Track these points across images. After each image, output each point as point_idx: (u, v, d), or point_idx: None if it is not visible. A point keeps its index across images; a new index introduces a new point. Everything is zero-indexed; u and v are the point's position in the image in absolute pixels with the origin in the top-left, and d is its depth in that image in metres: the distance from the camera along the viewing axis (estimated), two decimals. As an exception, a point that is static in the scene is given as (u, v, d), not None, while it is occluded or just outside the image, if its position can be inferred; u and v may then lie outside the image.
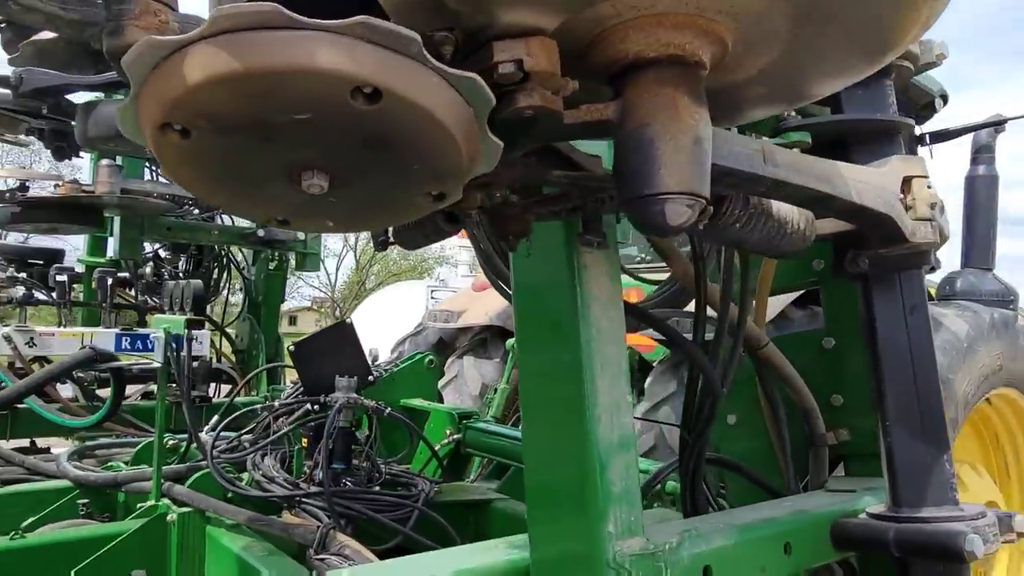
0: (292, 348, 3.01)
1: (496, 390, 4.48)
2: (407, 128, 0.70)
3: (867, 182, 1.11)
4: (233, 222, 4.29)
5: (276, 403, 2.86)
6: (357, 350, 3.15)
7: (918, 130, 4.97)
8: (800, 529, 1.41)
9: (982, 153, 4.84)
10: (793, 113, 1.43)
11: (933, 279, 5.19)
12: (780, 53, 0.85)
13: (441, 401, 4.80)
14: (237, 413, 2.88)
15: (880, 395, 1.47)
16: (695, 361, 1.44)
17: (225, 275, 4.75)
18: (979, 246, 4.86)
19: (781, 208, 1.16)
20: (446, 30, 0.74)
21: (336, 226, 0.87)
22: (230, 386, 4.60)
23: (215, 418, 2.88)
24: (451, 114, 0.71)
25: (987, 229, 4.85)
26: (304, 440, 2.76)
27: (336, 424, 2.57)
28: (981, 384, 2.96)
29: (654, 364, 4.23)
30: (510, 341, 4.57)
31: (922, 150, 4.97)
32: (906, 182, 1.20)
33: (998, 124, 4.78)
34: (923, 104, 4.76)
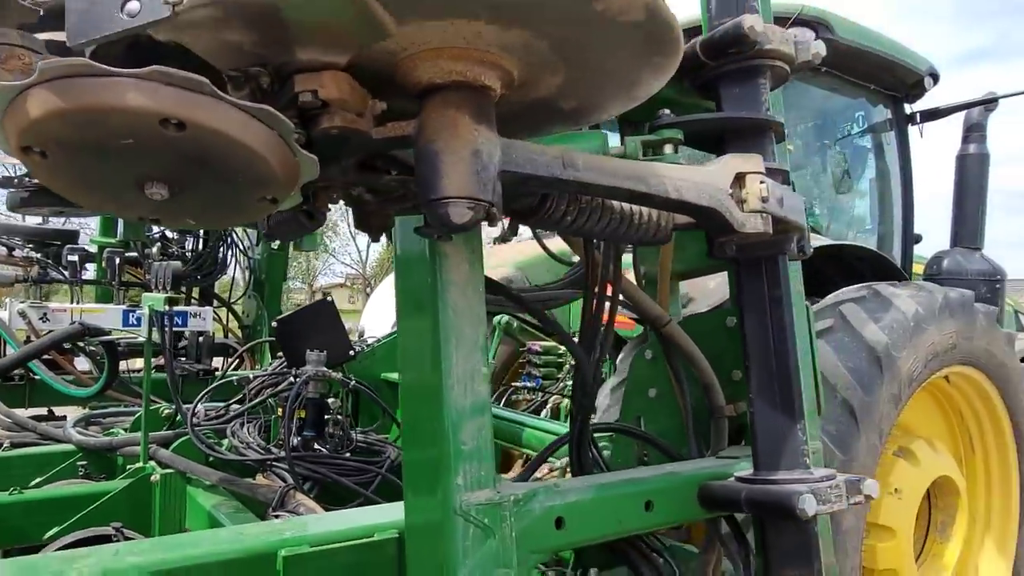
0: (275, 324, 3.23)
1: (484, 365, 4.67)
2: (216, 149, 0.87)
3: (688, 179, 1.24)
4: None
5: (251, 375, 3.08)
6: (337, 326, 3.36)
7: (908, 109, 5.00)
8: (664, 489, 1.57)
9: (973, 131, 4.84)
10: (668, 111, 1.56)
11: (924, 255, 5.22)
12: (565, 78, 1.00)
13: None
14: (216, 384, 3.10)
15: (746, 371, 1.62)
16: (563, 341, 1.60)
17: (230, 254, 5.00)
18: (968, 226, 4.87)
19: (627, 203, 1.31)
20: (259, 66, 0.90)
21: (197, 223, 1.04)
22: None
23: (204, 392, 3.12)
24: (252, 136, 0.87)
25: (976, 208, 4.86)
26: (280, 410, 2.98)
27: (305, 394, 2.78)
28: (930, 362, 3.05)
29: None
30: (497, 318, 4.75)
31: (912, 129, 4.99)
32: (739, 178, 1.33)
33: (990, 102, 4.78)
34: (912, 83, 4.78)
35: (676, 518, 1.61)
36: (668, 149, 1.53)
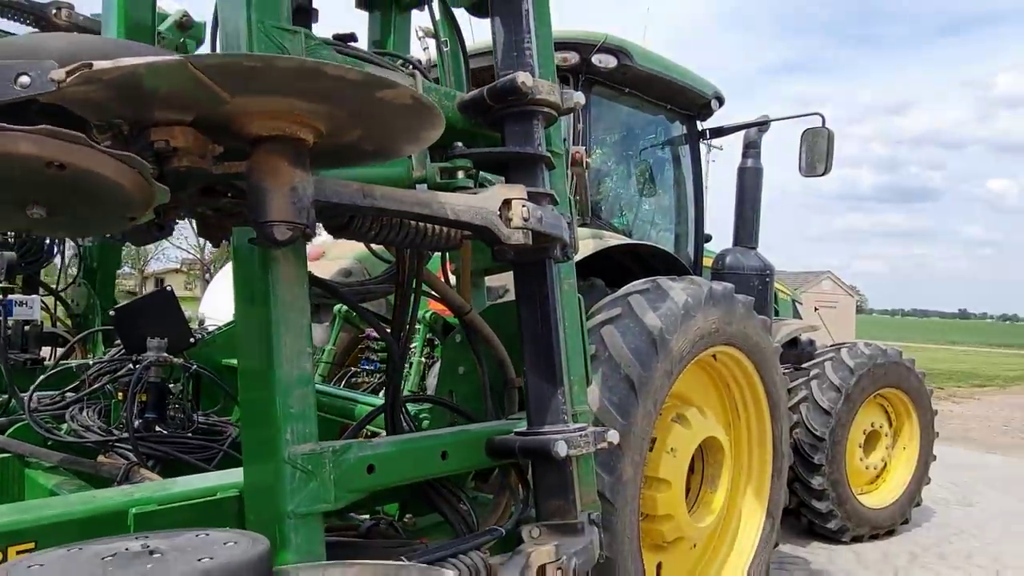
0: (112, 312, 3.34)
1: (324, 351, 4.93)
2: (89, 183, 1.17)
3: (465, 204, 1.66)
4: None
5: (91, 362, 3.19)
6: (177, 314, 3.51)
7: (700, 126, 5.78)
8: (457, 443, 1.99)
9: (750, 148, 5.71)
10: (460, 144, 1.98)
11: (713, 250, 6.07)
12: (362, 133, 1.37)
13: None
14: (55, 370, 3.18)
15: (523, 350, 2.07)
16: (374, 327, 1.97)
17: (56, 242, 4.89)
18: (746, 228, 5.74)
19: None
20: (119, 119, 1.20)
21: (69, 233, 1.32)
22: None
23: (41, 377, 3.18)
24: (119, 174, 1.18)
25: (752, 213, 5.73)
26: (120, 394, 3.12)
27: (145, 379, 2.95)
28: (697, 343, 3.71)
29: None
30: (337, 306, 5.02)
31: (703, 144, 5.77)
32: (506, 203, 1.76)
33: (763, 124, 5.65)
34: (701, 105, 5.56)
35: (467, 465, 2.04)
36: (460, 174, 1.96)
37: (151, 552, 1.31)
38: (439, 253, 2.46)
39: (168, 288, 3.49)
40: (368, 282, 2.30)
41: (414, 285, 2.11)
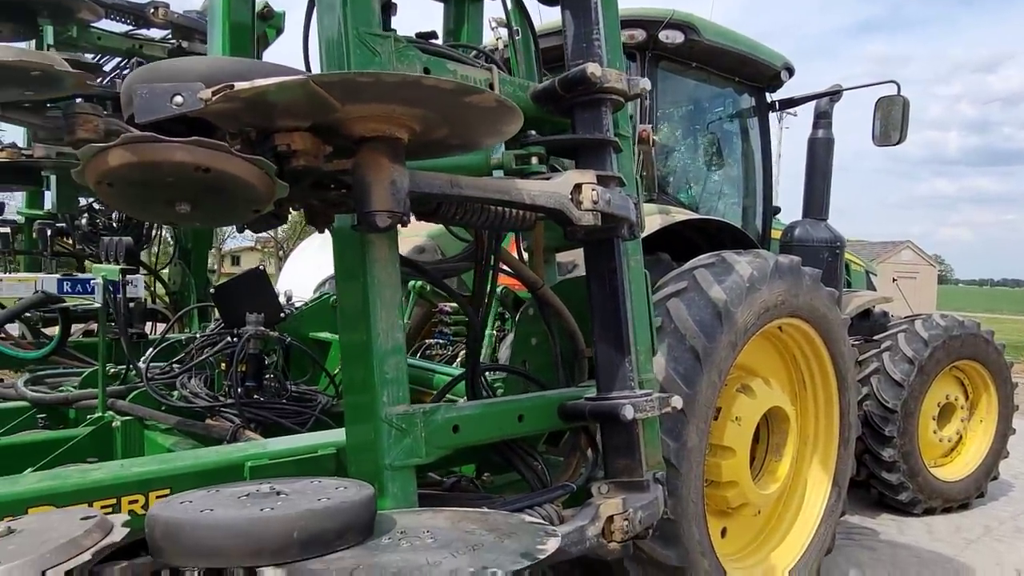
0: (213, 291, 3.66)
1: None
2: (227, 182, 1.38)
3: (540, 189, 1.83)
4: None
5: (197, 335, 3.52)
6: (269, 292, 3.83)
7: (769, 97, 5.76)
8: (532, 407, 2.18)
9: (821, 119, 5.65)
10: (534, 132, 2.14)
11: (783, 222, 6.06)
12: (450, 131, 1.55)
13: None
14: (162, 343, 3.52)
15: (592, 323, 2.24)
16: (456, 301, 2.17)
17: (155, 226, 5.30)
18: (816, 200, 5.71)
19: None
20: (249, 127, 1.41)
21: (205, 224, 1.55)
22: (165, 324, 5.22)
23: (151, 350, 3.53)
24: (251, 175, 1.39)
25: (823, 185, 5.69)
26: (223, 364, 3.44)
27: (246, 351, 3.25)
28: (762, 315, 3.79)
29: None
30: (411, 283, 5.28)
31: (772, 115, 5.75)
32: (577, 187, 1.92)
33: (835, 93, 5.58)
34: (770, 76, 5.54)
35: (541, 427, 2.23)
36: (534, 160, 2.12)
37: (278, 493, 1.55)
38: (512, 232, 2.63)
39: (261, 267, 3.79)
40: (448, 260, 2.50)
41: (491, 262, 2.29)
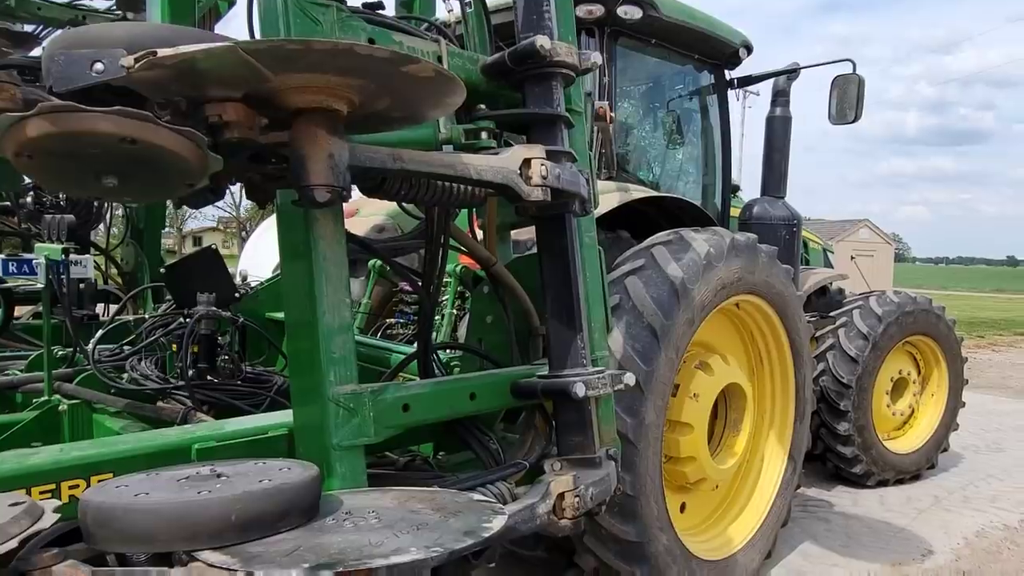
0: (163, 270, 3.57)
1: (360, 304, 5.14)
2: (156, 155, 1.33)
3: (487, 164, 1.80)
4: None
5: (146, 317, 3.43)
6: (222, 271, 3.74)
7: (728, 75, 5.77)
8: (484, 384, 2.16)
9: (779, 97, 5.68)
10: (484, 107, 2.10)
11: (744, 199, 6.10)
12: (390, 102, 1.51)
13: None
14: (111, 325, 3.43)
15: (544, 298, 2.22)
16: (406, 280, 2.13)
17: (105, 205, 5.14)
18: (774, 177, 5.75)
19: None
20: (178, 96, 1.35)
21: (135, 199, 1.50)
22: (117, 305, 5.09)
23: (100, 331, 3.43)
24: (181, 147, 1.34)
25: (781, 163, 5.73)
26: (174, 346, 3.36)
27: (197, 332, 3.18)
28: (719, 292, 3.82)
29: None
30: (371, 261, 5.21)
31: (732, 94, 5.76)
32: (525, 162, 1.89)
33: (792, 72, 5.61)
34: (729, 54, 5.54)
35: (494, 405, 2.22)
36: (484, 135, 2.09)
37: (218, 475, 1.51)
38: (467, 209, 2.60)
39: (213, 246, 3.70)
40: (400, 238, 2.46)
41: (442, 240, 2.26)
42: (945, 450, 6.63)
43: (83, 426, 3.04)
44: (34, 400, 3.15)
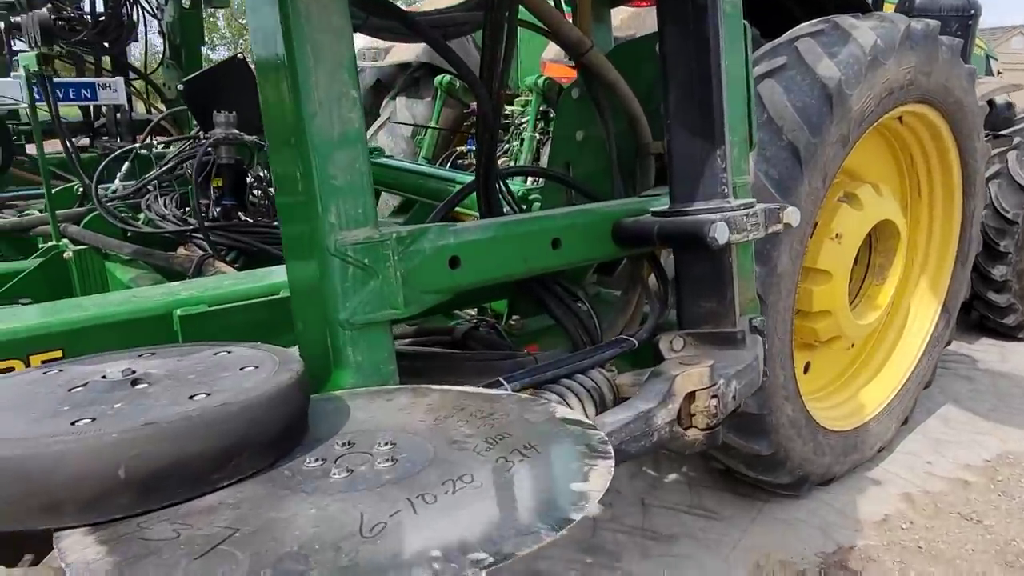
0: (180, 86, 2.93)
1: (426, 131, 4.43)
2: None
3: None
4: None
5: (155, 143, 2.85)
6: (249, 86, 3.06)
7: None
8: (573, 226, 1.46)
9: None
10: None
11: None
12: None
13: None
14: (115, 154, 2.87)
15: (665, 94, 1.44)
16: (461, 75, 1.39)
17: (138, 16, 4.47)
18: (943, -44, 4.48)
19: None
20: None
21: None
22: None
23: (103, 163, 2.88)
24: None
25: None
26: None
27: (216, 159, 2.57)
28: (884, 100, 2.88)
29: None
30: (439, 78, 4.42)
31: None
32: None
33: None
34: None
35: (586, 256, 1.52)
36: None
37: (134, 383, 0.91)
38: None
39: (240, 56, 3.00)
40: (450, 9, 1.67)
41: (510, 9, 1.47)
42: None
43: (94, 276, 2.57)
44: (40, 245, 2.71)
